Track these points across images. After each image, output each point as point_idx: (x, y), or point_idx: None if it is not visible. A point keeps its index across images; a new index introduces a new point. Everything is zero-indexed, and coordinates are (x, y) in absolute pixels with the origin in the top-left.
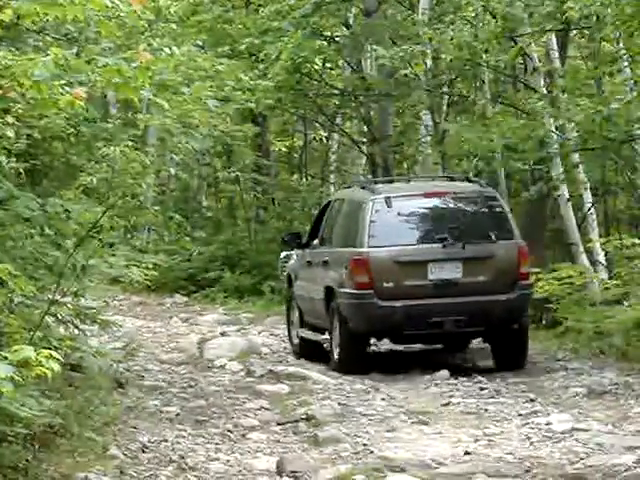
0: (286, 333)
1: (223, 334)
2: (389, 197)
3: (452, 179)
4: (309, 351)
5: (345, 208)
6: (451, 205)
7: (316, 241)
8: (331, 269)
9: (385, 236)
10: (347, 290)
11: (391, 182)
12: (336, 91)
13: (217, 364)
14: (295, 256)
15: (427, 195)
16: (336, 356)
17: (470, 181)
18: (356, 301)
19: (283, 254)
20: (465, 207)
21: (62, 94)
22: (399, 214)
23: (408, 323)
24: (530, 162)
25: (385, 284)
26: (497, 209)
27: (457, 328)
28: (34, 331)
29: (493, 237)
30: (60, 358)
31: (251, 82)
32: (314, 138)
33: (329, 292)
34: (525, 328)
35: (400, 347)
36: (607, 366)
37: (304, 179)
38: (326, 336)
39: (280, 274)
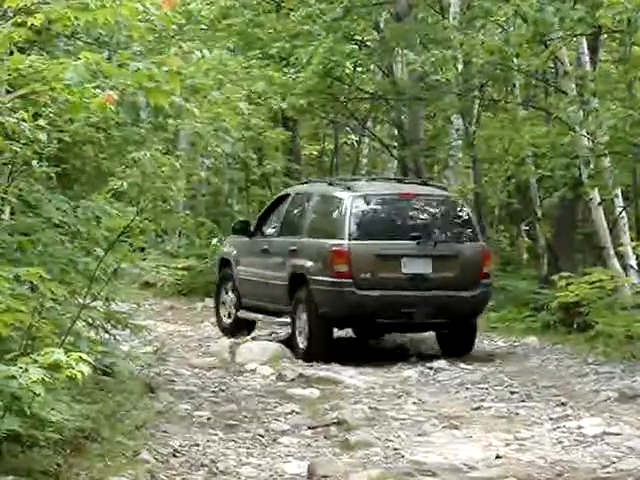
0: (215, 314)
1: (254, 338)
2: (367, 195)
3: (399, 181)
4: (240, 329)
5: (317, 202)
6: (423, 206)
7: (271, 230)
8: (301, 258)
9: (364, 230)
10: (324, 278)
11: (353, 181)
12: (367, 95)
13: (248, 368)
14: (230, 243)
15: (401, 195)
16: (302, 343)
17: (427, 184)
18: (334, 289)
19: (214, 240)
20: (435, 209)
21: (95, 95)
22: (376, 211)
23: (382, 312)
24: (558, 167)
25: (363, 274)
26: (463, 213)
27: (425, 319)
28: (65, 336)
29: (460, 238)
30: (90, 360)
31: (283, 78)
32: (345, 142)
33: (296, 279)
34: (477, 320)
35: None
36: (638, 370)
37: None
38: (286, 319)
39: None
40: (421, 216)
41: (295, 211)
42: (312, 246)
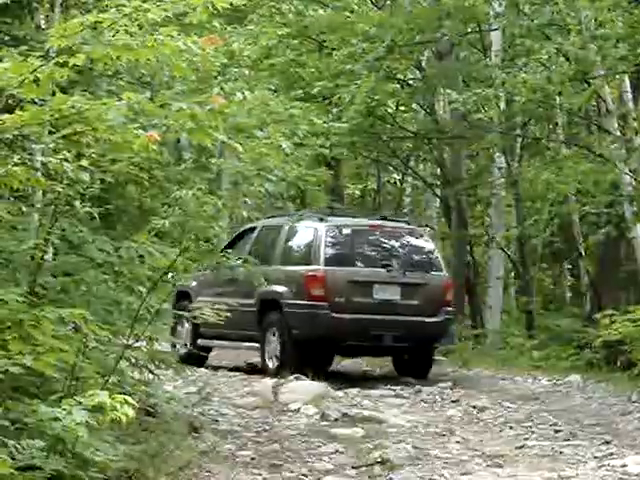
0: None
1: (297, 378)
2: (340, 225)
3: (360, 215)
4: (194, 359)
5: (289, 233)
6: (391, 237)
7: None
8: (273, 284)
9: (338, 258)
10: (300, 302)
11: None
12: (409, 134)
13: (291, 408)
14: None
15: (371, 227)
16: (272, 364)
17: (387, 219)
18: (310, 311)
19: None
20: (402, 240)
21: (137, 136)
22: (348, 241)
23: (354, 334)
24: (602, 205)
25: (337, 299)
26: (427, 245)
27: (393, 342)
28: (108, 376)
29: (426, 268)
30: (134, 403)
31: (325, 124)
32: (387, 181)
33: (267, 305)
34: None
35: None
36: None
37: None
38: (253, 344)
39: None
40: (390, 246)
41: (264, 242)
42: (286, 273)
